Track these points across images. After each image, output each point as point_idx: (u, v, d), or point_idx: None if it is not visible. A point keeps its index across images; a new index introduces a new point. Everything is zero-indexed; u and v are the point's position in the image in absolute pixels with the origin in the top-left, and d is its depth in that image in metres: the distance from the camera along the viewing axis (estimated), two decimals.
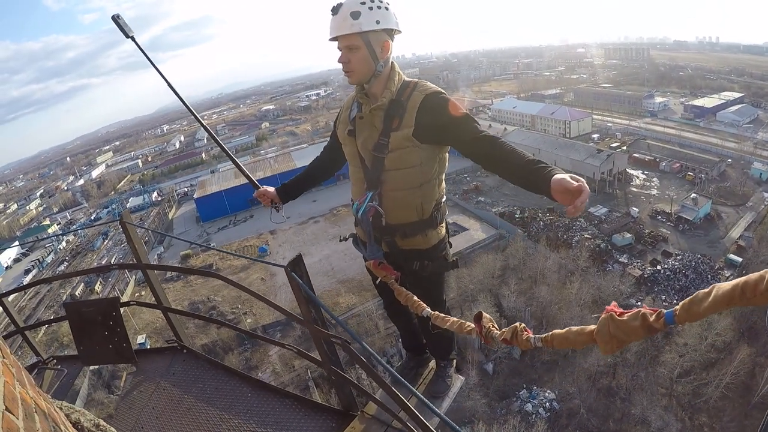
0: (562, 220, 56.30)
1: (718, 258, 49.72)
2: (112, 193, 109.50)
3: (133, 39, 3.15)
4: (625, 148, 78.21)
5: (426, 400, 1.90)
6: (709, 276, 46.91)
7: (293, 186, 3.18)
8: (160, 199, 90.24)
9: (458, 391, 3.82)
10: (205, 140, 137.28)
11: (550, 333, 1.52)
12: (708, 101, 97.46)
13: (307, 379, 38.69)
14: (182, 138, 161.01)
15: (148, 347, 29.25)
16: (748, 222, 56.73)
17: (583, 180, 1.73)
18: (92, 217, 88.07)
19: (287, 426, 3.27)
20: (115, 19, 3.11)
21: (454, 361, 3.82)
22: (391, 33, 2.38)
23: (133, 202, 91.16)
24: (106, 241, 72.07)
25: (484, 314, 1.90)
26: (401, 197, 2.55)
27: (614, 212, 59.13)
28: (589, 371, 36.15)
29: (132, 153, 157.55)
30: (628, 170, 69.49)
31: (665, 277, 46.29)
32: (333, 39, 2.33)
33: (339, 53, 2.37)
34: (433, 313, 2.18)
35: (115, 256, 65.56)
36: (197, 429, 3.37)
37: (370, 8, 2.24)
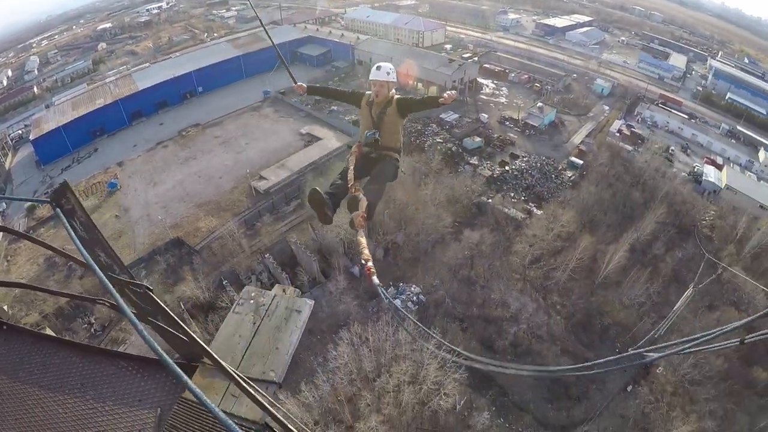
0: (414, 125, 57.54)
1: (561, 160, 54.46)
2: None
3: None
4: (476, 59, 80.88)
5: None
6: (553, 176, 50.89)
7: (320, 88, 6.65)
8: None
9: (312, 311, 4.60)
10: (36, 71, 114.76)
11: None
12: (559, 21, 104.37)
13: (182, 312, 36.54)
14: (9, 73, 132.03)
15: None
16: (588, 130, 62.72)
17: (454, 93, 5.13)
18: None
19: (127, 392, 3.03)
20: None
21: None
22: (394, 83, 5.68)
23: None
24: None
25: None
26: (388, 135, 5.60)
27: (465, 118, 61.98)
28: (449, 264, 37.73)
29: None
30: (478, 79, 72.60)
31: (513, 177, 49.72)
32: (373, 80, 5.61)
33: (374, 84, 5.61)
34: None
35: None
36: (27, 417, 2.95)
37: (391, 72, 5.57)
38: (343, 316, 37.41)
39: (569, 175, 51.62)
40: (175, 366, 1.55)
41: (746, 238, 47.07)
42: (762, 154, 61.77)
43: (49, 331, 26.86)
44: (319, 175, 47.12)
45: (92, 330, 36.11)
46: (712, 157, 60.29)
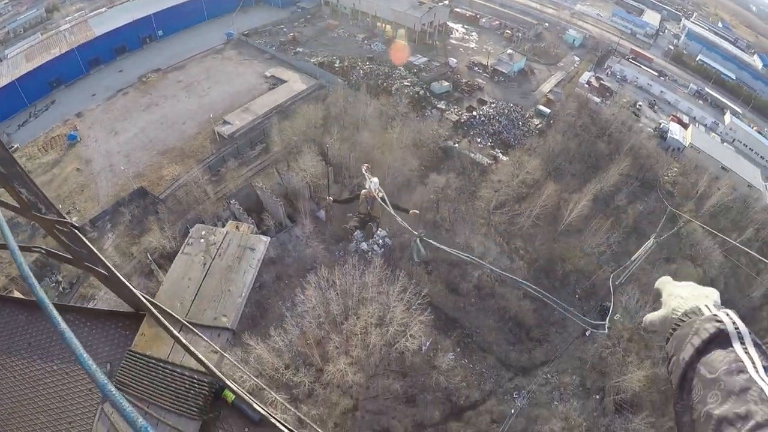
0: (381, 68, 56.20)
1: (528, 108, 54.46)
2: None
3: None
4: (447, 2, 78.68)
5: None
6: (520, 123, 50.97)
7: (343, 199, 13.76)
8: None
9: (266, 251, 3.99)
10: None
11: None
12: None
13: (149, 263, 36.08)
14: None
15: None
16: (558, 80, 62.53)
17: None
18: None
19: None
20: None
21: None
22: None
23: None
24: None
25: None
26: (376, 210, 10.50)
27: (433, 62, 60.72)
28: (415, 206, 37.42)
29: None
30: (448, 23, 71.01)
31: (480, 122, 49.46)
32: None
33: None
34: None
35: None
36: None
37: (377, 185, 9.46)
38: (310, 260, 37.23)
39: (536, 123, 51.73)
40: (53, 309, 1.30)
41: (706, 196, 48.53)
42: (727, 116, 63.22)
43: (17, 294, 25.85)
44: (284, 118, 45.80)
45: (60, 288, 35.00)
46: (678, 116, 61.18)
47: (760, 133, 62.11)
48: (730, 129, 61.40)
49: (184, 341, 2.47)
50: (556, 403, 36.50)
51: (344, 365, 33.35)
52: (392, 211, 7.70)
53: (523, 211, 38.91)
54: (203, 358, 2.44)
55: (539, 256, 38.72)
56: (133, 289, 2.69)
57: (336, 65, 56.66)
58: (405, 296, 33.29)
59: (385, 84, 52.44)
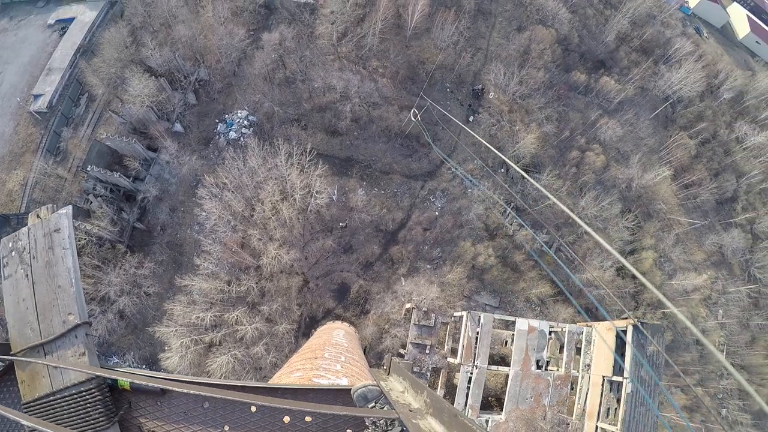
0: None
1: None
2: None
3: None
4: None
5: None
6: None
7: None
8: None
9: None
10: None
11: None
12: None
13: None
14: None
15: None
16: None
17: None
18: None
19: None
20: None
21: None
22: None
23: None
24: None
25: None
26: None
27: None
28: (262, 74, 36.15)
29: None
30: None
31: None
32: None
33: None
34: None
35: None
36: None
37: None
38: (191, 176, 35.63)
39: None
40: None
41: None
42: None
43: None
44: (92, 56, 40.66)
45: None
46: None
47: None
48: None
49: (53, 364, 2.48)
50: (470, 190, 39.23)
51: (275, 251, 33.75)
52: None
53: (366, 32, 38.16)
54: (77, 368, 2.47)
55: (399, 68, 38.94)
56: None
57: None
58: (293, 160, 33.05)
59: None
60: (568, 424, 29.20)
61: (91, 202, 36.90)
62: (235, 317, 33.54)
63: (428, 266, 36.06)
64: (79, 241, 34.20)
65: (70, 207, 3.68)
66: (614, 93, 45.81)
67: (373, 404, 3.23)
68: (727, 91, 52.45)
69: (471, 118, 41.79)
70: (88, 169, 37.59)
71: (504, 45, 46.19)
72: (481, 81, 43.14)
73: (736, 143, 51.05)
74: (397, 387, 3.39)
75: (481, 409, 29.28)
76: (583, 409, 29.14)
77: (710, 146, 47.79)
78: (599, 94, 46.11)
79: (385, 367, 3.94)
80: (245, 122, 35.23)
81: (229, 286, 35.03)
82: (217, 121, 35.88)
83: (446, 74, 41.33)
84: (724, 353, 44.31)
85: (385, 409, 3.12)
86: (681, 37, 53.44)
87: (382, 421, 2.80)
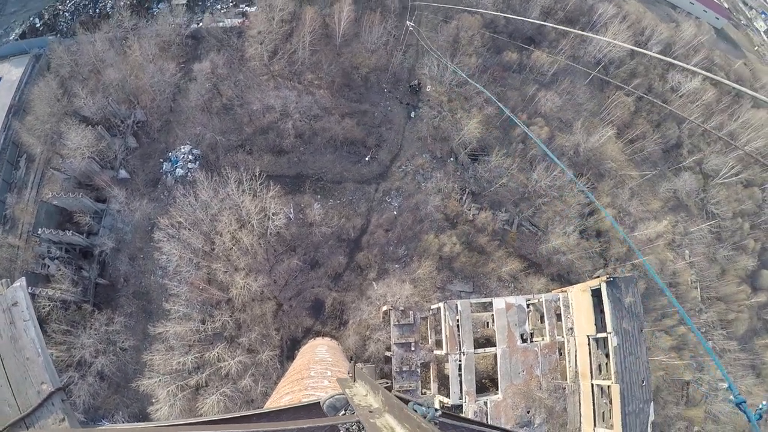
0: None
1: None
2: None
3: None
4: None
5: None
6: None
7: None
8: None
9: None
10: None
11: None
12: None
13: None
14: None
15: None
16: None
17: None
18: None
19: None
20: None
21: None
22: None
23: None
24: None
25: None
26: None
27: None
28: (199, 105, 36.03)
29: None
30: None
31: None
32: None
33: None
34: None
35: None
36: None
37: None
38: (144, 221, 35.18)
39: None
40: None
41: None
42: None
43: None
44: (24, 115, 39.57)
45: None
46: None
47: None
48: None
49: None
50: (423, 184, 39.74)
51: (242, 280, 33.55)
52: None
53: (296, 47, 38.35)
54: None
55: (334, 77, 39.27)
56: None
57: (38, 24, 48.08)
58: (244, 186, 32.97)
59: (98, 6, 45.40)
60: (564, 388, 29.79)
61: (48, 266, 36.07)
62: (216, 354, 33.17)
63: (397, 266, 36.39)
64: (43, 308, 33.36)
65: (23, 279, 3.78)
66: (547, 66, 47.06)
67: (344, 411, 3.49)
68: (655, 45, 54.45)
69: (412, 114, 42.34)
70: (39, 232, 36.68)
71: (433, 37, 46.94)
72: (417, 76, 43.80)
73: (672, 92, 53.05)
74: (361, 391, 3.72)
75: (477, 393, 29.63)
76: (576, 371, 29.77)
77: (647, 100, 49.46)
78: (533, 69, 47.29)
79: (350, 375, 4.27)
80: (190, 157, 34.99)
81: (204, 324, 34.66)
82: (161, 160, 35.52)
83: (381, 75, 41.82)
84: (698, 289, 46.05)
85: (349, 413, 3.37)
86: (603, 2, 55.19)
87: (353, 426, 3.00)
